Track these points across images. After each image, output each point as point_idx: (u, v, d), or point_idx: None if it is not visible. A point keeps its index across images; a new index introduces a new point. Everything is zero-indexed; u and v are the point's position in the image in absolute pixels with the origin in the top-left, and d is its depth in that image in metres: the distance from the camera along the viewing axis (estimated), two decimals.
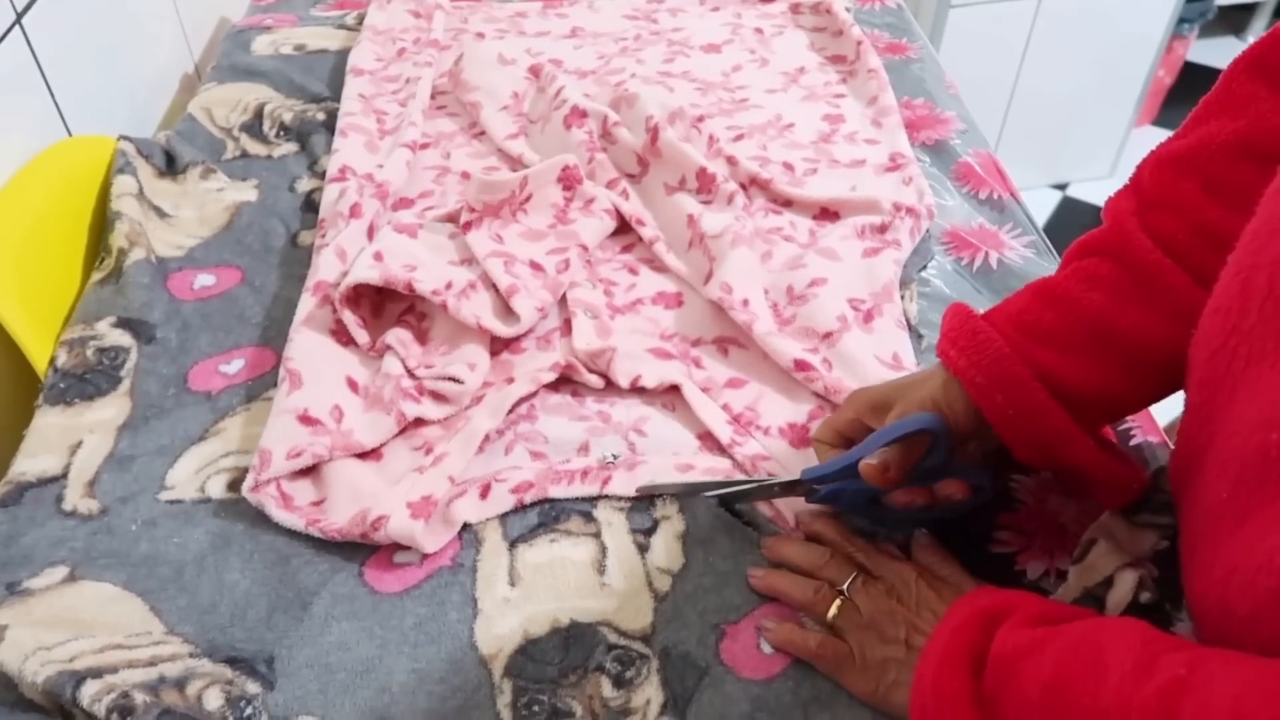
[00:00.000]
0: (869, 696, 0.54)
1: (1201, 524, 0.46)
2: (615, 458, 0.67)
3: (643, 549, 0.62)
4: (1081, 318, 0.56)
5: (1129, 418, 0.71)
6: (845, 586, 0.57)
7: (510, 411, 0.70)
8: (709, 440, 0.68)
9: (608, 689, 0.55)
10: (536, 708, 0.54)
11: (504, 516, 0.64)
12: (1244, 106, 0.53)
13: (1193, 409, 0.49)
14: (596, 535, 0.63)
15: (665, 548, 0.62)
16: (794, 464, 0.66)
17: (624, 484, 0.65)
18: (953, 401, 0.58)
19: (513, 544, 0.62)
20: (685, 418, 0.70)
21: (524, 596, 0.60)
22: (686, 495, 0.64)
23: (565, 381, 0.73)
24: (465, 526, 0.63)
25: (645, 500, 0.64)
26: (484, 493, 0.64)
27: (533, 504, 0.64)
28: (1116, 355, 0.56)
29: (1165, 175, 0.56)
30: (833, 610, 0.57)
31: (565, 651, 0.57)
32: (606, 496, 0.64)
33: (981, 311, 0.60)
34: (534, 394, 0.71)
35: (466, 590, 0.60)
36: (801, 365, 0.71)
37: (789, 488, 0.62)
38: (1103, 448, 0.58)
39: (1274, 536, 0.34)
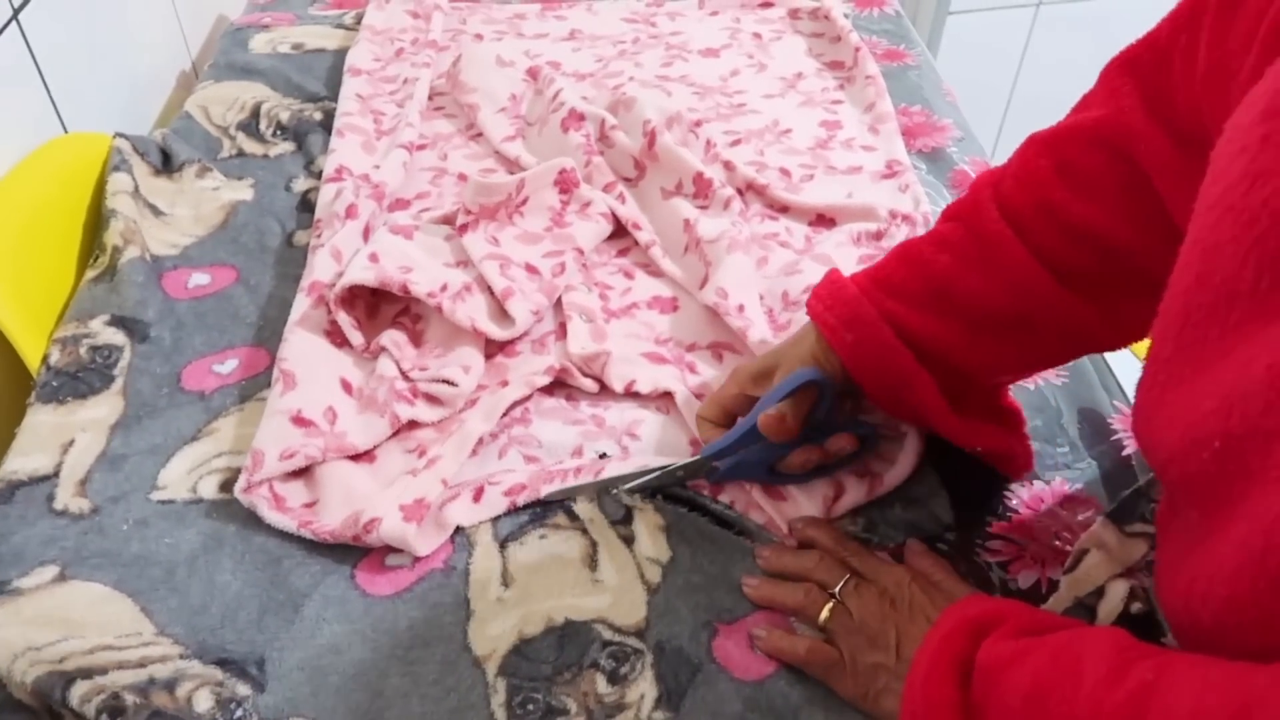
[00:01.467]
0: (859, 701, 0.54)
1: (1164, 534, 0.47)
2: (605, 456, 0.67)
3: (628, 540, 0.62)
4: (929, 276, 0.60)
5: (1121, 429, 0.71)
6: (837, 589, 0.57)
7: (504, 415, 0.70)
8: (701, 444, 0.68)
9: (602, 685, 0.55)
10: (531, 706, 0.54)
11: (495, 518, 0.64)
12: (1109, 99, 0.55)
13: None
14: (584, 531, 0.63)
15: (650, 538, 0.62)
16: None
17: (617, 470, 0.65)
18: (825, 353, 0.61)
19: (503, 544, 0.62)
20: (679, 422, 0.70)
21: (518, 596, 0.60)
22: (597, 492, 0.64)
23: (559, 385, 0.73)
24: (457, 530, 0.63)
25: (619, 494, 0.65)
26: (477, 496, 0.64)
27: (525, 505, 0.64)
28: (957, 315, 0.59)
29: (1028, 152, 0.59)
30: (824, 613, 0.57)
31: (559, 649, 0.57)
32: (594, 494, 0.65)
33: None
34: (528, 397, 0.71)
35: (459, 593, 0.60)
36: None
37: (692, 469, 0.64)
38: (994, 417, 0.63)
39: (1227, 546, 0.34)
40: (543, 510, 0.64)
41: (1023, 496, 0.66)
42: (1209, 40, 0.49)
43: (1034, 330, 0.59)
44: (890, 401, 0.62)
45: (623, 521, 0.63)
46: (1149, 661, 0.40)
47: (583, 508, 0.64)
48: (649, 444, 0.69)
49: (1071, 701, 0.41)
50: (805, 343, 0.63)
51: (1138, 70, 0.55)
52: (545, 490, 0.64)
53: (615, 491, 0.64)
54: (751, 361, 0.66)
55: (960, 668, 0.48)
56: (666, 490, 0.65)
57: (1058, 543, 0.63)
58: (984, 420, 0.64)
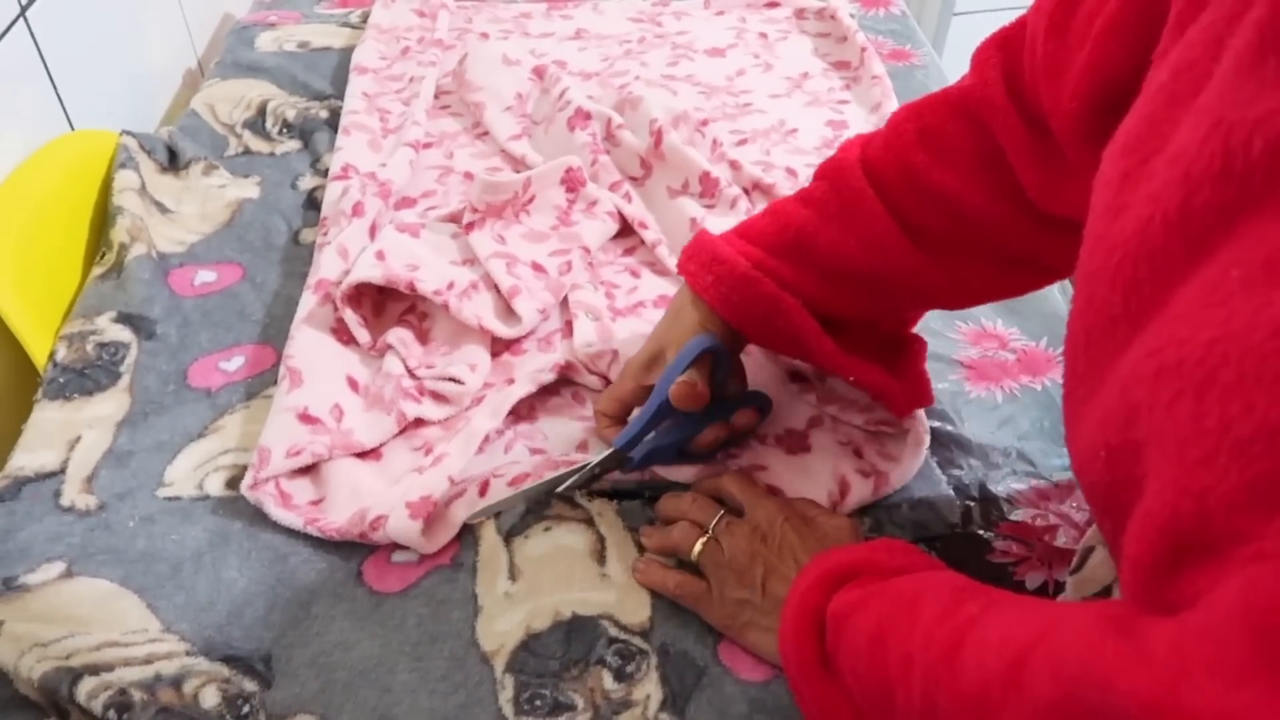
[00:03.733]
0: (726, 630, 0.57)
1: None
2: None
3: (642, 547, 0.62)
4: (788, 227, 0.63)
5: None
6: (710, 526, 0.60)
7: (510, 412, 0.70)
8: None
9: (609, 682, 0.55)
10: (539, 702, 0.54)
11: (498, 514, 0.64)
12: (977, 72, 0.57)
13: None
14: (589, 522, 0.63)
15: None
16: (790, 472, 0.66)
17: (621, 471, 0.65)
18: (707, 317, 0.64)
19: (508, 538, 0.62)
20: None
21: (525, 590, 0.60)
22: (521, 504, 0.63)
23: (565, 383, 0.73)
24: (464, 527, 0.63)
25: (639, 497, 0.65)
26: (482, 490, 0.64)
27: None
28: (814, 265, 0.62)
29: (898, 116, 0.61)
30: (696, 548, 0.59)
31: (567, 645, 0.57)
32: (601, 492, 0.65)
33: None
34: (534, 395, 0.71)
35: (467, 589, 0.60)
36: (794, 376, 0.71)
37: (607, 463, 0.64)
38: (886, 352, 0.66)
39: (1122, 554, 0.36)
40: (542, 503, 0.64)
41: (1029, 495, 0.66)
42: (1048, 29, 0.50)
43: (885, 284, 0.62)
44: (770, 336, 0.64)
45: (638, 529, 0.63)
46: (979, 599, 0.43)
47: (592, 504, 0.64)
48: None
49: (907, 639, 0.43)
50: (685, 316, 0.64)
51: (1006, 47, 0.56)
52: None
53: (538, 497, 0.64)
54: (637, 353, 0.67)
55: (817, 620, 0.51)
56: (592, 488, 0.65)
57: (1064, 543, 0.63)
58: (867, 355, 0.65)
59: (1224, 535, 0.29)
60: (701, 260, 0.64)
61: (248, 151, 0.97)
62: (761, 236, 0.64)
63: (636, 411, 0.65)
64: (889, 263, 0.61)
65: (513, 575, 0.60)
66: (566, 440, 0.68)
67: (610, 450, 0.63)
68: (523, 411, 0.71)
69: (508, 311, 0.75)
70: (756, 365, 0.73)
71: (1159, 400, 0.32)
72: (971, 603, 0.42)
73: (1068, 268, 0.61)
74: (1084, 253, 0.39)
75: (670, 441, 0.64)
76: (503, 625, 0.58)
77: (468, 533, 0.63)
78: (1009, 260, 0.60)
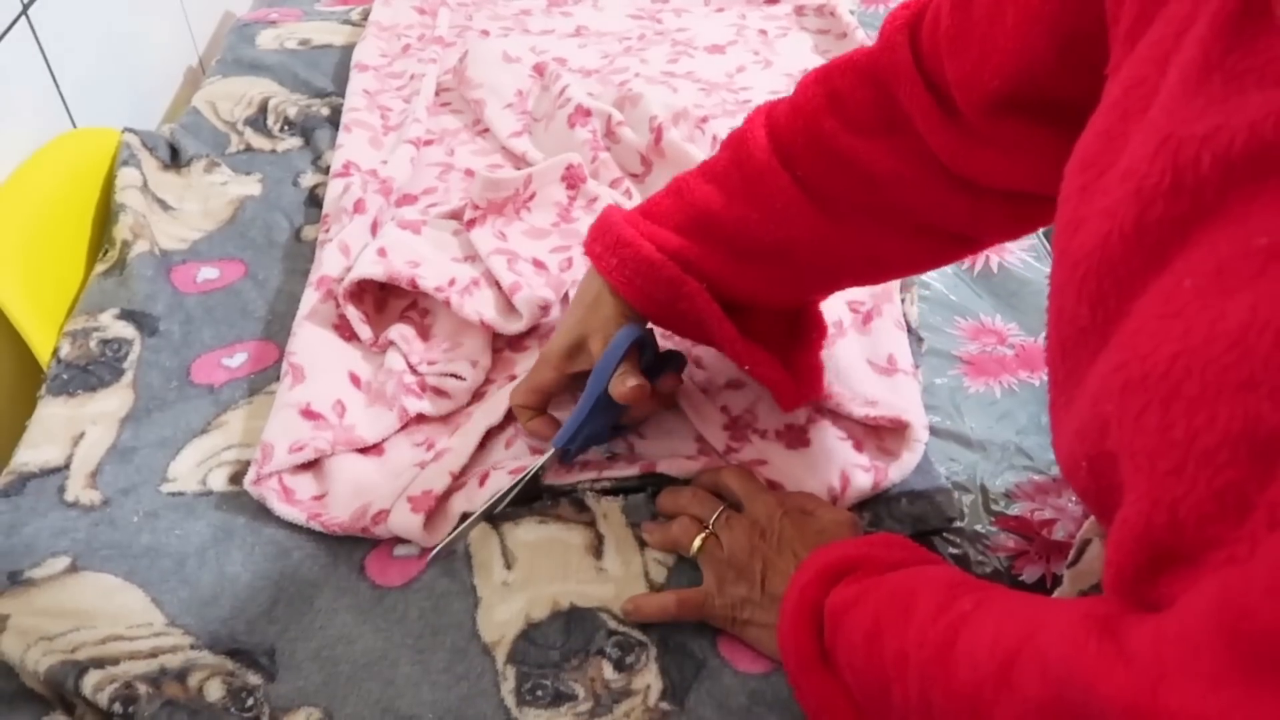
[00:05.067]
0: (726, 627, 0.57)
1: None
2: (613, 455, 0.68)
3: (643, 543, 0.62)
4: (693, 205, 0.62)
5: None
6: (710, 521, 0.60)
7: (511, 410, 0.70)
8: (707, 442, 0.69)
9: (609, 671, 0.56)
10: (540, 692, 0.55)
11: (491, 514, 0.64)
12: (885, 36, 0.57)
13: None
14: (591, 524, 0.63)
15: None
16: (790, 467, 0.66)
17: (626, 470, 0.65)
18: (620, 303, 0.63)
19: (499, 525, 0.63)
20: (684, 420, 0.70)
21: (522, 578, 0.60)
22: (479, 523, 0.63)
23: None
24: (462, 517, 0.63)
25: (644, 491, 0.65)
26: (482, 481, 0.64)
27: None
28: (720, 242, 0.61)
29: (805, 81, 0.60)
30: (695, 543, 0.59)
31: (567, 635, 0.57)
32: (605, 490, 0.65)
33: None
34: None
35: (464, 579, 0.60)
36: None
37: (550, 463, 0.64)
38: (787, 340, 0.66)
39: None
40: (546, 501, 0.65)
41: (1028, 489, 0.66)
42: (953, 2, 0.51)
43: (794, 258, 0.61)
44: (674, 320, 0.64)
45: (638, 522, 0.63)
46: (973, 595, 0.43)
47: (599, 503, 0.64)
48: (654, 442, 0.69)
49: (902, 634, 0.44)
50: (604, 303, 0.63)
51: (914, 16, 0.56)
52: (549, 479, 0.64)
53: (495, 511, 0.63)
54: (552, 344, 0.65)
55: (815, 616, 0.51)
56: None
57: (1062, 536, 0.63)
58: (769, 344, 0.65)
59: (1198, 544, 0.30)
60: (606, 243, 0.62)
61: (249, 149, 0.98)
62: (666, 216, 0.63)
63: (560, 410, 0.65)
64: (796, 233, 0.60)
65: (508, 563, 0.61)
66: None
67: (551, 450, 0.63)
68: None
69: (509, 308, 0.76)
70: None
71: (1127, 413, 0.32)
72: (965, 599, 0.43)
73: (985, 237, 0.61)
74: (1053, 266, 0.40)
75: (601, 425, 0.64)
76: (502, 615, 0.58)
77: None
78: (919, 227, 0.59)
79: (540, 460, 0.64)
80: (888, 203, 0.58)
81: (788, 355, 0.67)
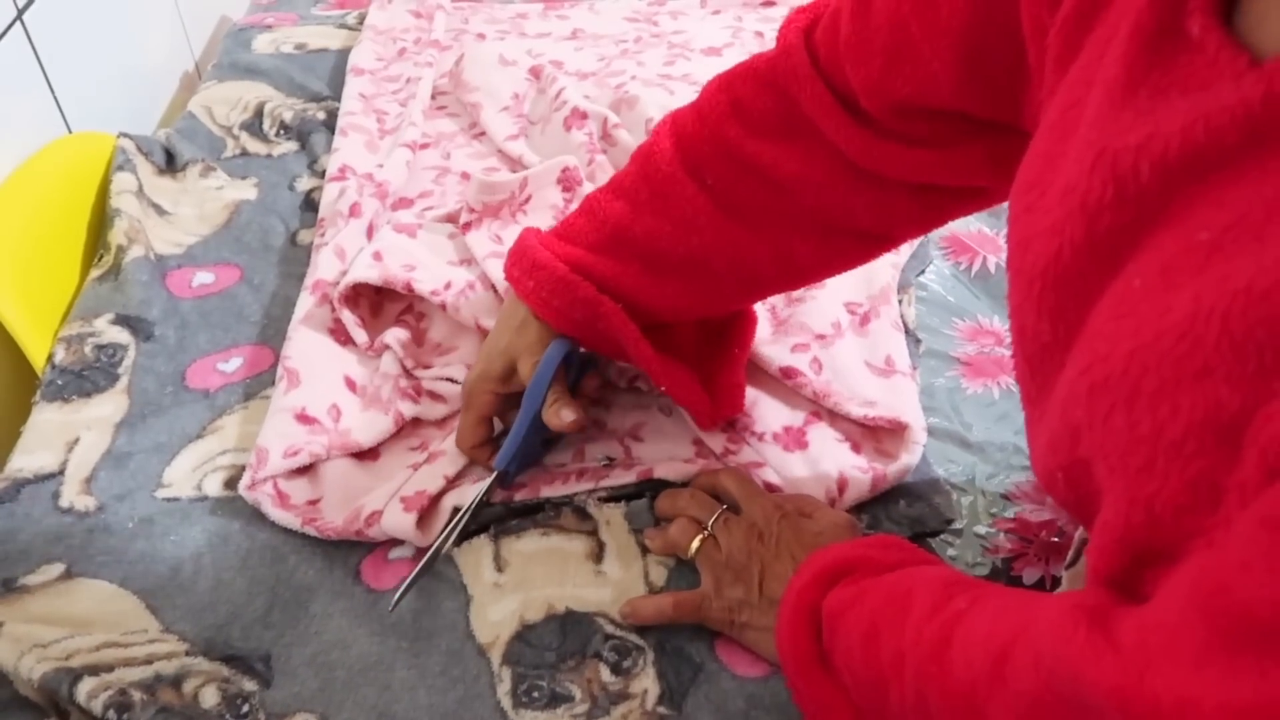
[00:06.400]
0: (725, 629, 0.57)
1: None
2: (610, 460, 0.67)
3: (645, 548, 0.62)
4: (604, 222, 0.62)
5: None
6: (709, 523, 0.59)
7: None
8: (705, 445, 0.68)
9: (606, 674, 0.56)
10: (536, 694, 0.55)
11: (491, 523, 0.64)
12: (783, 39, 0.57)
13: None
14: (593, 533, 0.63)
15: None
16: (788, 468, 0.66)
17: (623, 478, 0.65)
18: (543, 326, 0.63)
19: (497, 535, 0.63)
20: (682, 423, 0.70)
21: (515, 581, 0.60)
22: (434, 561, 0.61)
23: None
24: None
25: (644, 497, 0.65)
26: (475, 480, 0.64)
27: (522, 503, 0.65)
28: (634, 257, 0.61)
29: (709, 88, 0.60)
30: (694, 545, 0.59)
31: (563, 637, 0.57)
32: (608, 497, 0.65)
33: None
34: None
35: (454, 579, 0.60)
36: (789, 372, 0.71)
37: (493, 487, 0.63)
38: (712, 355, 0.67)
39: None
40: (548, 511, 0.64)
41: (1027, 490, 0.66)
42: (852, 9, 0.51)
43: (708, 268, 0.61)
44: (593, 338, 0.64)
45: (640, 529, 0.63)
46: (967, 594, 0.43)
47: (600, 510, 0.64)
48: (651, 446, 0.69)
49: (899, 635, 0.44)
50: (530, 326, 0.63)
51: (811, 21, 0.56)
52: (544, 491, 0.64)
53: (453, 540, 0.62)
54: (481, 371, 0.65)
55: (813, 619, 0.51)
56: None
57: (1060, 538, 0.63)
58: (689, 360, 0.66)
59: (1176, 537, 0.30)
60: (524, 266, 0.63)
61: (245, 153, 0.97)
62: (580, 235, 0.63)
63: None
64: (707, 243, 0.60)
65: (499, 565, 0.61)
66: (561, 450, 0.68)
67: (494, 475, 0.63)
68: None
69: None
70: (749, 365, 0.74)
71: (1096, 416, 0.33)
72: (959, 597, 0.43)
73: (896, 233, 0.62)
74: (1009, 286, 0.41)
75: (535, 441, 0.64)
76: (495, 615, 0.58)
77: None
78: (830, 228, 0.59)
79: (483, 485, 0.63)
80: (796, 206, 0.58)
81: (708, 370, 0.67)
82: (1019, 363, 0.41)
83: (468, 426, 0.65)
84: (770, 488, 0.64)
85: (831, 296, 0.77)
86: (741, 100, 0.58)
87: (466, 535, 0.62)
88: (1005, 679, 0.36)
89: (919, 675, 0.42)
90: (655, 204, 0.61)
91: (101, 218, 0.86)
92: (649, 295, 0.62)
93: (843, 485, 0.64)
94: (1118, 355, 0.32)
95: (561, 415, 0.61)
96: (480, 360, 0.65)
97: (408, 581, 0.59)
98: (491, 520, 0.64)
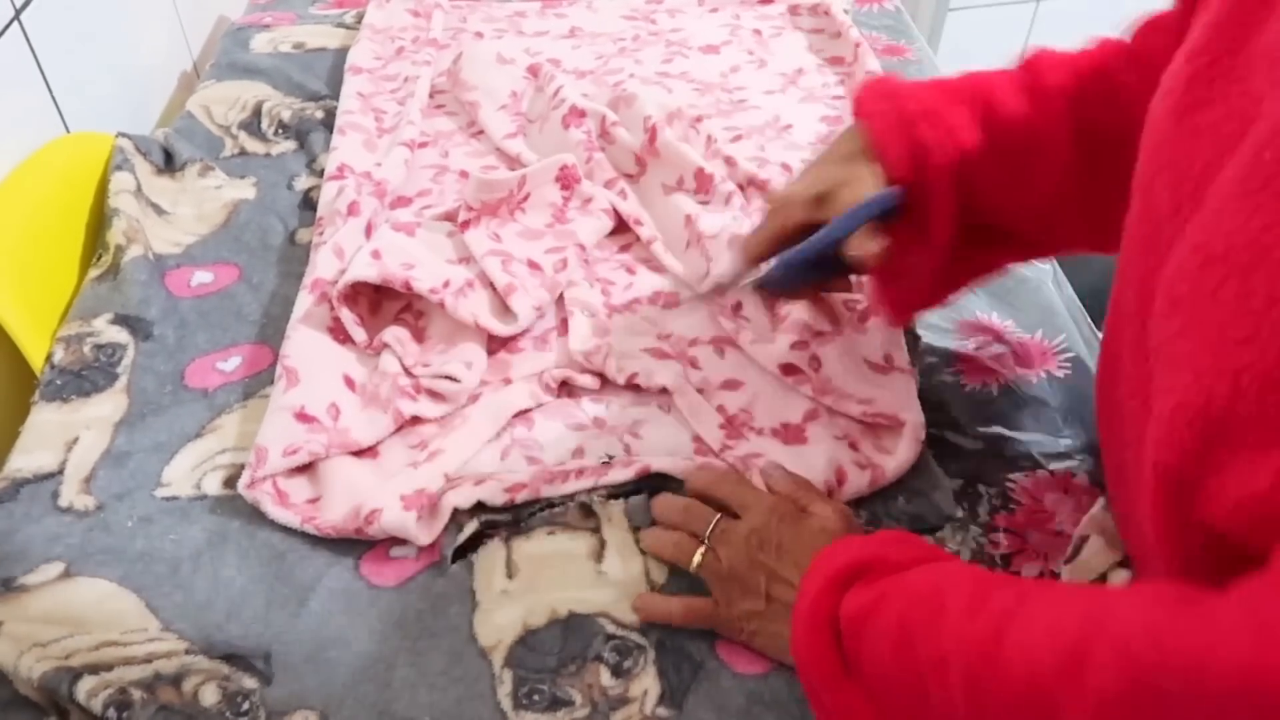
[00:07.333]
0: (736, 638, 0.57)
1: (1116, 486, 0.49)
2: (611, 458, 0.67)
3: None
4: (975, 80, 0.62)
5: None
6: (706, 536, 0.59)
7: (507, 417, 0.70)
8: (704, 441, 0.69)
9: (606, 678, 0.56)
10: (537, 697, 0.55)
11: (501, 524, 0.64)
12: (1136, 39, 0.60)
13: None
14: (596, 530, 0.63)
15: None
16: (786, 464, 0.66)
17: (622, 475, 0.65)
18: (881, 168, 0.61)
19: (508, 538, 0.63)
20: (681, 419, 0.70)
21: (522, 588, 0.60)
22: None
23: (560, 383, 0.73)
24: (461, 526, 0.63)
25: (641, 493, 0.65)
26: (477, 483, 0.64)
27: (528, 503, 0.64)
28: (983, 122, 0.61)
29: (1101, 43, 0.62)
30: (695, 560, 0.58)
31: (564, 641, 0.57)
32: (610, 494, 0.65)
33: None
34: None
35: (463, 584, 0.60)
36: (788, 369, 0.71)
37: (744, 286, 0.64)
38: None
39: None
40: (557, 509, 0.64)
41: (1026, 486, 0.66)
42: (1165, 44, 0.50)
43: (1031, 185, 0.61)
44: (909, 200, 0.61)
45: (639, 526, 0.63)
46: (1009, 590, 0.42)
47: (603, 507, 0.64)
48: (651, 443, 0.69)
49: (937, 637, 0.43)
50: (859, 162, 0.61)
51: (1159, 28, 0.57)
52: (545, 490, 0.64)
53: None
54: (799, 188, 0.63)
55: (833, 626, 0.49)
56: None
57: (1059, 534, 0.63)
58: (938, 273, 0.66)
59: (1252, 420, 0.30)
60: (877, 92, 0.63)
61: (243, 152, 0.97)
62: (943, 83, 0.63)
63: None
64: (1045, 160, 0.60)
65: (510, 572, 0.61)
66: (561, 449, 0.68)
67: (757, 273, 0.63)
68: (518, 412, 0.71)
69: (504, 309, 0.75)
70: (747, 360, 0.74)
71: (1203, 289, 0.33)
72: (999, 594, 0.42)
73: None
74: (1141, 161, 0.41)
75: (798, 278, 0.64)
76: (500, 620, 0.58)
77: (453, 522, 0.63)
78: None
79: (745, 278, 0.63)
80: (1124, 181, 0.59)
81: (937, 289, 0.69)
82: (1127, 247, 0.40)
83: (762, 236, 0.65)
84: (768, 484, 0.64)
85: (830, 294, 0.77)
86: (1123, 68, 0.59)
87: (483, 538, 0.62)
88: (1082, 677, 0.35)
89: (969, 678, 0.41)
90: (1028, 93, 0.61)
91: (100, 217, 0.86)
92: (970, 166, 0.61)
93: (841, 480, 0.64)
94: (1249, 228, 0.32)
95: (869, 245, 0.58)
96: (797, 182, 0.64)
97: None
98: (503, 524, 0.64)
